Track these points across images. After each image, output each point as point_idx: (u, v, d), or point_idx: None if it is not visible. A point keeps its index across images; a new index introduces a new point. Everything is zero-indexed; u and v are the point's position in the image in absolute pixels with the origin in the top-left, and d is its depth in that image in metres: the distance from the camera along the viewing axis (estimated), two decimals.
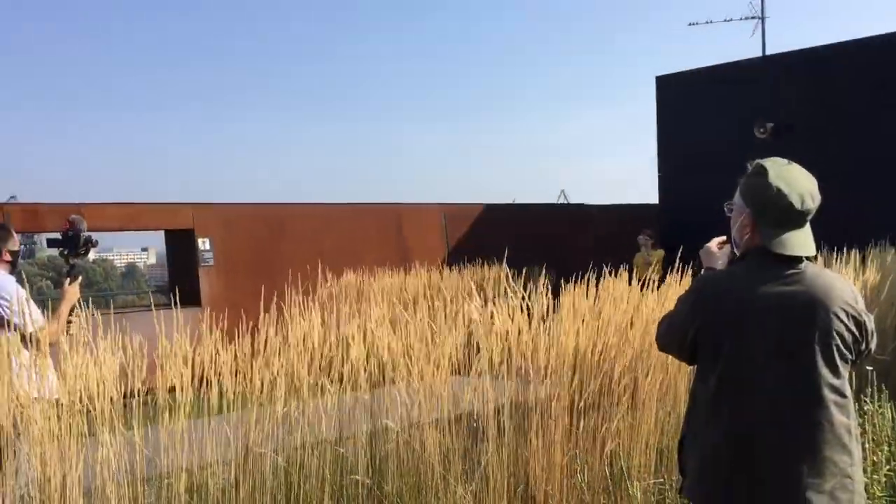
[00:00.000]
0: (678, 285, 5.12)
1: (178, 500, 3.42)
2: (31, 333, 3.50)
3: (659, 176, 14.79)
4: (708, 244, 2.71)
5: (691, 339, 2.39)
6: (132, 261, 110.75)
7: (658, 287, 5.03)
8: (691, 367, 3.44)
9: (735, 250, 2.50)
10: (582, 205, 16.92)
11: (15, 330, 3.41)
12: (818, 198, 2.36)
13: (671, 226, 12.59)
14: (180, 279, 11.27)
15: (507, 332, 4.31)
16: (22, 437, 3.09)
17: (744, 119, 12.74)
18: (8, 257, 4.37)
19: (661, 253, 10.16)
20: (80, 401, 3.18)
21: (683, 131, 14.19)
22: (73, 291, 4.37)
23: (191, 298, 10.53)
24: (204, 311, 3.95)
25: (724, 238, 2.65)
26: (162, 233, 11.96)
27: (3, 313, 3.46)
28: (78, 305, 3.93)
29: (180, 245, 11.67)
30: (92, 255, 4.74)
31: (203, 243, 11.46)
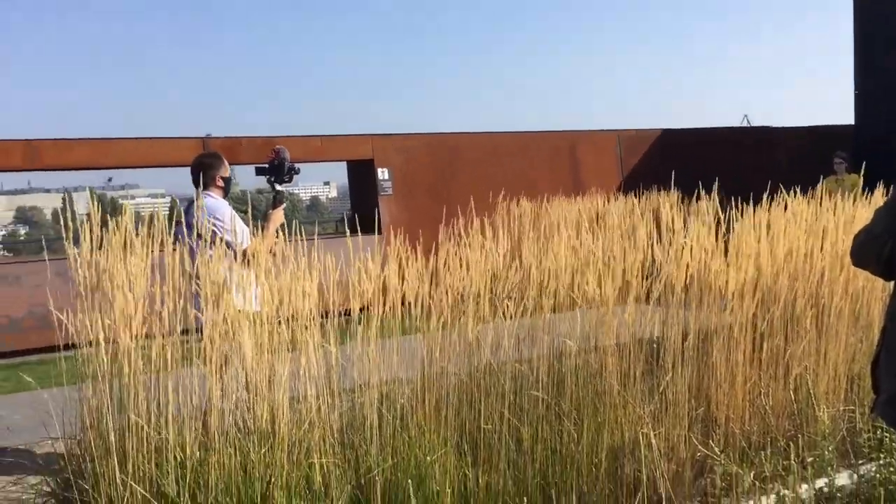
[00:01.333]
0: (872, 207, 4.83)
1: (370, 408, 3.67)
2: (243, 251, 3.83)
3: (855, 94, 13.74)
4: None
5: (889, 251, 2.28)
6: (315, 194, 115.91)
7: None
8: (887, 290, 3.26)
9: None
10: (767, 127, 16.04)
11: (228, 248, 3.73)
12: None
13: (869, 147, 11.72)
14: (361, 208, 11.75)
15: (688, 257, 4.25)
16: (234, 345, 3.40)
17: None
18: (220, 183, 4.80)
19: (854, 177, 9.52)
20: (287, 312, 3.47)
21: (885, 45, 13.06)
22: (278, 214, 4.77)
23: (371, 226, 10.98)
24: (384, 238, 4.14)
25: None
26: (343, 166, 12.49)
27: (218, 232, 3.80)
28: (282, 229, 4.25)
29: (361, 175, 12.14)
30: (279, 188, 5.09)
31: (382, 173, 11.87)
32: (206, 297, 3.33)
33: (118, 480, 3.07)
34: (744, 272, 4.30)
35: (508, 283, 4.16)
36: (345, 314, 3.79)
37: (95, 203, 3.49)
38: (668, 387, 4.11)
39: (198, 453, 3.20)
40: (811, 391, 4.27)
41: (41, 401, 3.61)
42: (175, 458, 3.15)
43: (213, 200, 4.63)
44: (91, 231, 3.37)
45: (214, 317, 3.32)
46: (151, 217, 3.44)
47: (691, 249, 4.23)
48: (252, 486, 3.16)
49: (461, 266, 4.06)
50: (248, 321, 3.40)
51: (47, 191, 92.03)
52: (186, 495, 3.06)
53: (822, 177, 5.62)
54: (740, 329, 4.28)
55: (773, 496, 3.49)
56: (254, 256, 3.62)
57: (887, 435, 3.78)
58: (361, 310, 3.76)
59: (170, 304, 3.38)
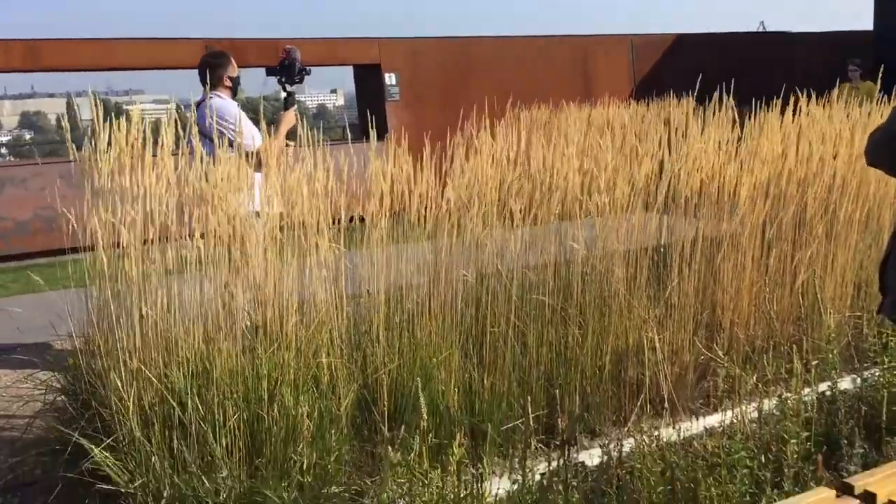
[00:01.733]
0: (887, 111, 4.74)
1: (377, 309, 3.68)
2: (255, 152, 3.77)
3: None
4: None
5: None
6: (322, 102, 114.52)
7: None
8: None
9: None
10: (784, 32, 15.65)
11: (237, 149, 3.68)
12: None
13: (888, 54, 11.42)
14: (368, 113, 11.58)
15: (701, 161, 4.19)
16: (244, 246, 3.38)
17: None
18: (228, 83, 4.73)
19: (869, 85, 9.29)
20: (297, 214, 3.44)
21: None
22: (290, 116, 4.69)
23: (378, 132, 10.81)
24: (391, 144, 4.07)
25: None
26: (350, 71, 12.25)
27: (228, 134, 3.74)
28: (294, 132, 4.19)
29: (367, 80, 11.93)
30: (290, 89, 5.00)
31: (389, 78, 11.66)
32: (214, 198, 3.29)
33: (126, 371, 3.10)
34: (756, 176, 4.24)
35: (515, 185, 4.11)
36: (351, 220, 3.77)
37: (98, 105, 3.41)
38: (674, 291, 4.11)
39: (205, 349, 3.22)
40: (818, 296, 4.27)
41: (50, 301, 3.63)
42: (182, 353, 3.17)
43: (221, 101, 4.57)
44: (95, 132, 3.31)
45: (221, 217, 3.29)
46: (159, 122, 3.38)
47: (703, 153, 4.17)
48: (259, 383, 3.19)
49: (470, 170, 4.01)
50: (256, 221, 3.39)
51: (51, 95, 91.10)
52: (193, 391, 3.10)
53: (838, 80, 5.51)
54: (750, 233, 4.25)
55: (774, 399, 3.52)
56: (265, 156, 3.56)
57: (892, 339, 3.79)
58: (369, 219, 3.73)
59: (179, 206, 3.35)
